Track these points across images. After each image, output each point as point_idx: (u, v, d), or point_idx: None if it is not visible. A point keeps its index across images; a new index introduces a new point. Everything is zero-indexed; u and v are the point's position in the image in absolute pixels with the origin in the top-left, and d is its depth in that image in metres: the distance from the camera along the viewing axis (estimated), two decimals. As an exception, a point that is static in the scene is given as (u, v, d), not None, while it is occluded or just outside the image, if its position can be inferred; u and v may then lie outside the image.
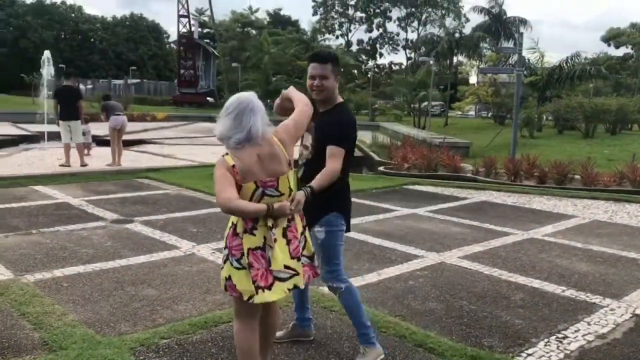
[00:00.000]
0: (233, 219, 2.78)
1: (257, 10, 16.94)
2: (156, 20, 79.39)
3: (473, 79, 53.16)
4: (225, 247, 2.78)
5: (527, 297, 4.61)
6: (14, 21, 66.12)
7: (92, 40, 72.14)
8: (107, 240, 5.99)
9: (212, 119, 32.42)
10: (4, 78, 57.92)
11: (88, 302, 4.16)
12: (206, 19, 62.22)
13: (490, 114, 37.73)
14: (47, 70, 16.17)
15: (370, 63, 63.63)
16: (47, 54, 16.13)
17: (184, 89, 47.69)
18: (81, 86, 54.66)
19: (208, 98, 49.09)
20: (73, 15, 73.14)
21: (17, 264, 5.02)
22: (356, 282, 4.80)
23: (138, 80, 59.01)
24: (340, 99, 3.37)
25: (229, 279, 2.74)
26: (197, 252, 5.62)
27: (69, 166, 10.72)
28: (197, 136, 20.30)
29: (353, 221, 6.83)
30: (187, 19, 43.50)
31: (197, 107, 43.79)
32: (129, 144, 16.58)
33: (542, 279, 5.08)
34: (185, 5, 45.09)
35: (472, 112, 45.84)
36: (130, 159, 12.84)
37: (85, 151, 13.16)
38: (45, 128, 15.74)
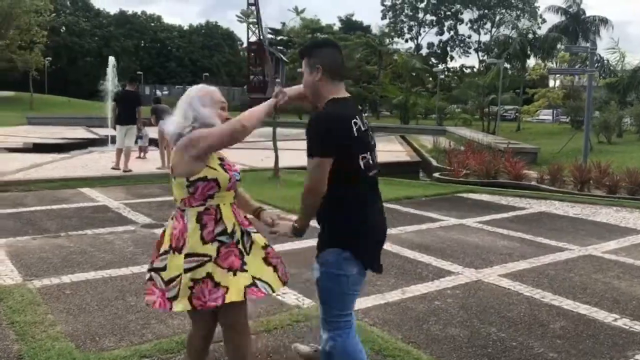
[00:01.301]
0: None
1: (302, 11, 16.74)
2: (230, 28, 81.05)
3: (551, 83, 50.85)
4: None
5: (569, 326, 4.00)
6: (98, 31, 69.75)
7: (170, 48, 74.93)
8: (130, 245, 5.85)
9: (280, 124, 32.59)
10: (88, 85, 61.06)
11: (82, 312, 3.96)
12: (279, 26, 63.22)
13: (568, 119, 35.82)
14: (112, 76, 16.66)
15: (441, 66, 62.04)
16: (111, 60, 16.62)
17: (253, 94, 48.32)
18: (157, 92, 57.08)
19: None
20: (152, 24, 76.32)
21: (30, 268, 4.93)
22: (375, 300, 4.38)
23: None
24: (333, 96, 2.58)
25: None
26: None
27: (119, 169, 10.84)
28: (256, 140, 20.29)
29: (391, 231, 6.29)
30: (257, 26, 44.11)
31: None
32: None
33: (592, 304, 4.43)
34: (256, 13, 45.74)
35: (548, 117, 43.69)
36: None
37: (142, 154, 13.37)
38: (111, 132, 16.16)
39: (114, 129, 11.10)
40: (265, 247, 2.78)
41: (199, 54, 75.00)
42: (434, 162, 15.10)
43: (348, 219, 2.55)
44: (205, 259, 2.55)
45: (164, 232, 2.73)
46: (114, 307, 4.08)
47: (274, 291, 2.76)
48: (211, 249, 2.57)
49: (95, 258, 5.31)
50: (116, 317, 3.88)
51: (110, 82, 16.78)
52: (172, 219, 2.70)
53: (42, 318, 3.77)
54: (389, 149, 19.19)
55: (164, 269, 2.62)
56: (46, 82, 50.80)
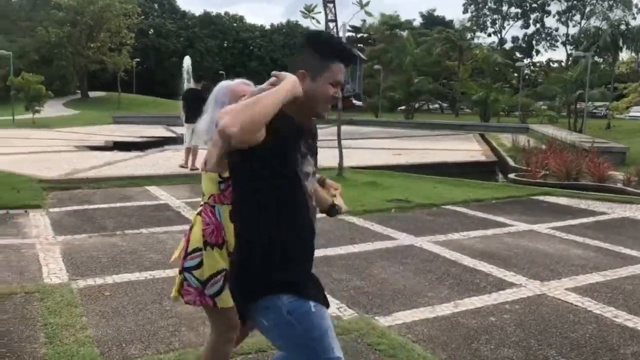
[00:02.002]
0: None
1: (367, 4, 16.12)
2: (312, 26, 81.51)
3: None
4: None
5: (643, 353, 3.50)
6: (183, 33, 72.34)
7: (251, 47, 76.56)
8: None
9: (354, 122, 32.37)
10: (173, 85, 63.48)
11: (116, 316, 3.89)
12: (359, 24, 62.87)
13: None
14: (186, 75, 17.04)
15: (526, 61, 59.42)
16: (186, 60, 16.99)
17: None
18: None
19: (355, 101, 49.33)
20: (235, 25, 78.24)
21: (79, 267, 4.97)
22: (423, 313, 4.04)
23: (291, 85, 61.20)
24: None
25: None
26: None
27: (187, 167, 10.98)
28: (327, 139, 20.19)
29: (452, 236, 5.90)
30: (334, 24, 44.04)
31: (343, 110, 43.99)
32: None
33: (675, 328, 3.87)
34: (333, 10, 45.72)
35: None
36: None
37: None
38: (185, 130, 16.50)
39: (184, 125, 11.28)
40: None
41: (280, 53, 76.10)
42: (511, 162, 14.29)
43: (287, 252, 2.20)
44: None
45: (191, 229, 2.66)
46: (149, 311, 3.99)
47: None
48: None
49: (143, 258, 5.30)
50: (148, 322, 3.79)
51: (186, 82, 17.19)
52: (198, 214, 2.65)
53: (75, 321, 3.74)
54: (465, 148, 18.47)
55: (197, 266, 2.58)
56: (134, 83, 53.25)
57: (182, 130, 18.64)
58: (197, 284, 2.58)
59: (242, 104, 1.85)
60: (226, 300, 2.51)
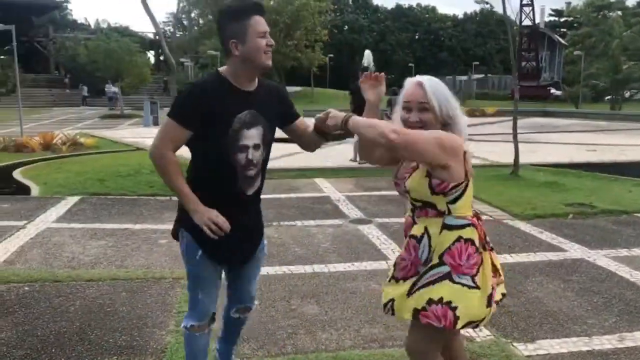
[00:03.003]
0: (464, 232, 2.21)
1: None
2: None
3: None
4: (447, 264, 2.20)
5: None
6: (375, 27, 73.52)
7: (442, 38, 75.04)
8: (328, 240, 5.74)
9: (548, 114, 29.89)
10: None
11: (243, 310, 3.92)
12: (562, 7, 57.87)
13: None
14: (369, 68, 17.12)
15: None
16: (367, 55, 17.07)
17: (524, 81, 45.31)
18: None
19: (552, 90, 45.61)
20: (427, 16, 77.33)
21: (227, 257, 5.15)
22: (576, 345, 3.44)
23: (482, 75, 58.76)
24: None
25: (447, 303, 2.16)
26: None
27: (355, 161, 10.99)
28: (520, 132, 18.77)
29: (638, 252, 5.08)
30: (530, 8, 41.08)
31: (540, 100, 40.98)
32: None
33: None
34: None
35: None
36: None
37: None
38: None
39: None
40: None
41: (472, 43, 73.50)
42: None
43: None
44: None
45: None
46: (274, 309, 3.95)
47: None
48: None
49: (288, 252, 5.33)
50: (269, 321, 3.74)
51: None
52: None
53: (204, 311, 3.84)
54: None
55: None
56: (328, 77, 55.47)
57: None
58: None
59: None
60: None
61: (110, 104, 34.81)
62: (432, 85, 2.21)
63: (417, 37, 75.62)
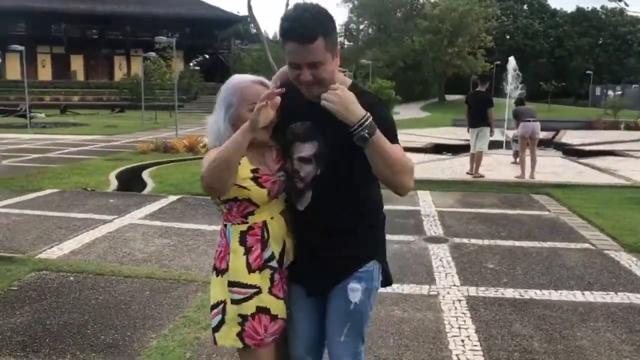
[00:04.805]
0: None
1: None
2: None
3: None
4: None
5: None
6: (552, 32, 68.71)
7: (630, 42, 67.75)
8: (388, 258, 5.37)
9: None
10: (536, 86, 60.98)
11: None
12: None
13: None
14: (511, 76, 15.97)
15: None
16: (511, 62, 15.90)
17: None
18: (609, 92, 52.16)
19: None
20: (613, 19, 70.33)
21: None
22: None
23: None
24: (348, 79, 2.08)
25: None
26: (445, 294, 4.40)
27: (471, 174, 10.27)
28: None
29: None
30: None
31: None
32: (593, 154, 14.66)
33: None
34: None
35: None
36: (554, 170, 11.29)
37: (517, 159, 12.40)
38: (509, 134, 15.46)
39: (468, 132, 10.57)
40: None
41: (669, 46, 65.36)
42: None
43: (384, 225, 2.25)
44: (253, 290, 2.07)
45: None
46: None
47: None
48: (260, 278, 2.09)
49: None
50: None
51: (509, 85, 16.11)
52: None
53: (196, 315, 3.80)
54: None
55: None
56: (493, 85, 53.07)
57: (510, 133, 17.74)
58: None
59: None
60: (224, 337, 2.12)
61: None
62: None
63: (599, 42, 69.14)
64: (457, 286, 4.58)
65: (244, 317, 2.06)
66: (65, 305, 4.04)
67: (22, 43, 26.54)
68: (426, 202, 8.19)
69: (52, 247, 5.46)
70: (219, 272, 2.13)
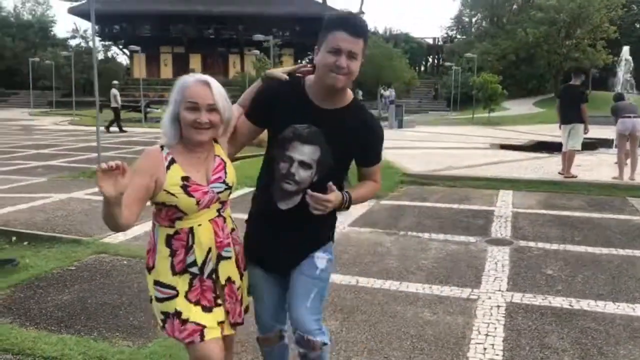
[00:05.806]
0: None
1: None
2: None
3: None
4: None
5: None
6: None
7: None
8: (436, 257, 5.19)
9: None
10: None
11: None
12: None
13: None
14: (624, 68, 14.69)
15: None
16: (625, 51, 14.63)
17: None
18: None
19: None
20: None
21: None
22: None
23: None
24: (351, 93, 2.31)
25: None
26: (486, 299, 4.14)
27: (562, 174, 9.56)
28: None
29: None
30: None
31: None
32: None
33: None
34: None
35: None
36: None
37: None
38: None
39: (559, 128, 9.82)
40: (227, 281, 2.23)
41: None
42: None
43: None
44: (173, 292, 2.16)
45: None
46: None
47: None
48: (181, 281, 2.17)
49: (383, 262, 5.00)
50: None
51: (622, 75, 14.77)
52: None
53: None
54: None
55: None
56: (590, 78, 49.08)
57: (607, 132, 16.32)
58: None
59: None
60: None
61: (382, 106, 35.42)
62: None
63: None
64: (502, 291, 4.30)
65: (165, 314, 2.16)
66: (110, 287, 4.30)
67: (148, 44, 28.46)
68: (504, 202, 7.77)
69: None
70: (148, 269, 2.22)
